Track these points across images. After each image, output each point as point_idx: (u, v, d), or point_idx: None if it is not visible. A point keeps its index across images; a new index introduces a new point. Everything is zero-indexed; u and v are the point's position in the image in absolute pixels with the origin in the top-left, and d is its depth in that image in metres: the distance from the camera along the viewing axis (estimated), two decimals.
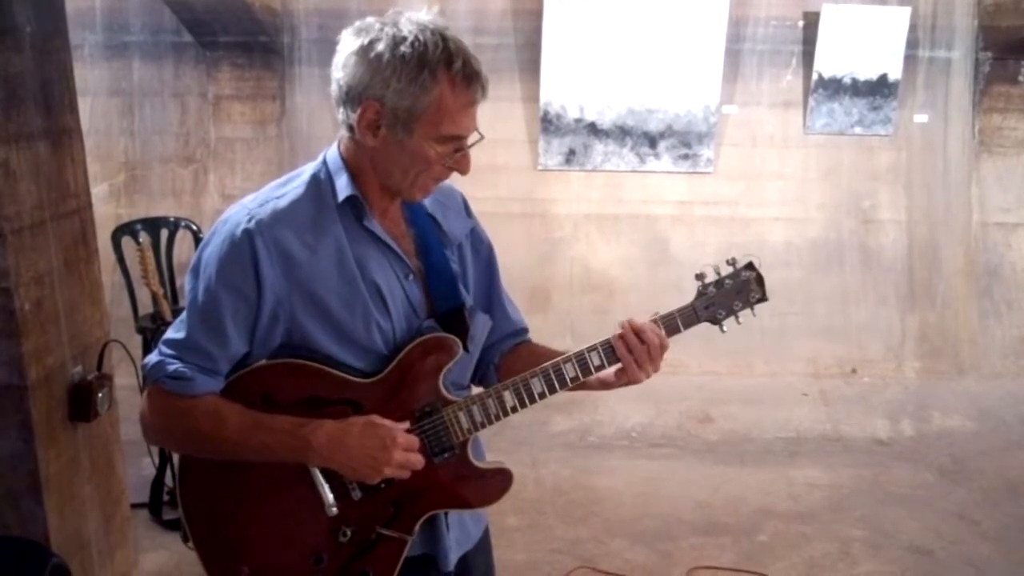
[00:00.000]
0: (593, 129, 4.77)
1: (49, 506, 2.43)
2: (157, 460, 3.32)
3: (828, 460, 4.03)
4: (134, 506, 3.13)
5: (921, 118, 4.95)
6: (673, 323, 1.50)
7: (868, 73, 4.80)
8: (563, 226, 4.94)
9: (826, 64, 4.77)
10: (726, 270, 1.53)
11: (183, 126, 4.84)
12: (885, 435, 4.33)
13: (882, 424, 4.42)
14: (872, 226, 5.03)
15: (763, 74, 4.87)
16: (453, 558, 1.51)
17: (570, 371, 1.46)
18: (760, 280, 1.54)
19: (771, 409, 4.52)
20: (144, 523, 3.28)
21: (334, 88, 1.35)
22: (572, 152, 4.81)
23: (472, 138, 1.38)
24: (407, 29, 1.29)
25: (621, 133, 4.79)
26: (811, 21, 4.76)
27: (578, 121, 4.76)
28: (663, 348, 1.46)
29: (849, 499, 3.67)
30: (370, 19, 1.32)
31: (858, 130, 4.90)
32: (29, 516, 2.40)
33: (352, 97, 1.32)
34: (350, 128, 1.35)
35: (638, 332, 1.44)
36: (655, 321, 1.49)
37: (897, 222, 5.03)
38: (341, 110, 1.35)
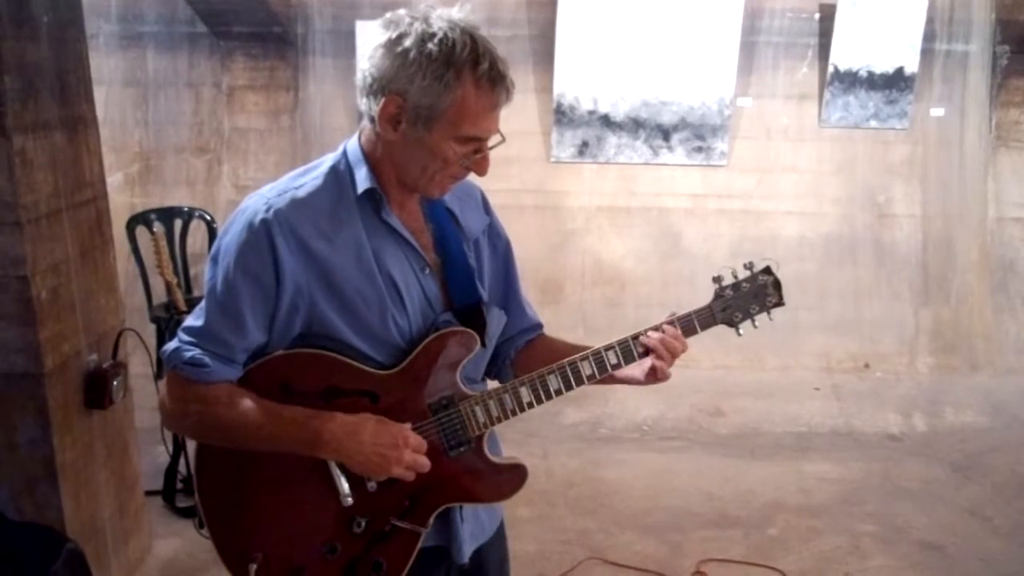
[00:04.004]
0: (606, 121, 4.76)
1: (65, 492, 2.45)
2: (171, 448, 3.35)
3: (839, 454, 4.02)
4: (148, 493, 3.17)
5: (937, 112, 4.91)
6: (690, 324, 1.51)
7: (884, 66, 4.76)
8: (575, 218, 4.93)
9: (842, 57, 4.74)
10: (743, 273, 1.54)
11: (197, 116, 4.86)
12: (897, 430, 4.31)
13: (894, 419, 4.40)
14: (887, 220, 5.00)
15: (778, 67, 4.84)
16: (467, 551, 1.51)
17: (587, 369, 1.47)
18: (777, 284, 1.55)
19: (782, 403, 4.51)
20: (158, 510, 3.31)
21: (359, 78, 1.35)
22: (585, 144, 4.80)
23: (493, 140, 1.38)
24: (437, 26, 1.28)
25: (634, 125, 4.77)
26: (827, 13, 4.73)
27: (591, 113, 4.75)
28: (684, 350, 1.49)
29: (860, 493, 3.66)
30: (401, 12, 1.31)
31: (874, 124, 4.86)
32: (45, 502, 2.43)
33: (376, 89, 1.32)
34: (372, 120, 1.35)
35: (663, 343, 1.48)
36: (672, 323, 1.50)
37: (912, 216, 4.99)
38: (364, 100, 1.35)
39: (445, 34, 1.27)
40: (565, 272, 4.92)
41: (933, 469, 3.91)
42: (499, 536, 1.65)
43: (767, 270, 1.56)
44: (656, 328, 1.50)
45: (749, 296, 1.54)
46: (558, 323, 4.64)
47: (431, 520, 1.44)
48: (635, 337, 1.49)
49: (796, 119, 4.88)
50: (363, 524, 1.42)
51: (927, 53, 4.79)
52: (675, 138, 4.79)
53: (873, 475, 3.83)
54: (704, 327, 1.53)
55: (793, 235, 4.94)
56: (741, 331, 1.55)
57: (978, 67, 4.85)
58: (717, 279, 1.54)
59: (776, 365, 4.87)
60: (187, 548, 3.10)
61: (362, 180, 1.37)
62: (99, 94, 2.84)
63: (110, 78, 4.66)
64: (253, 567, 1.41)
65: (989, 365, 4.91)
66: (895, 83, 4.78)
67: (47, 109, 2.38)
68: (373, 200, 1.39)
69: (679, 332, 1.49)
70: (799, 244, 4.94)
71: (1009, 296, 5.03)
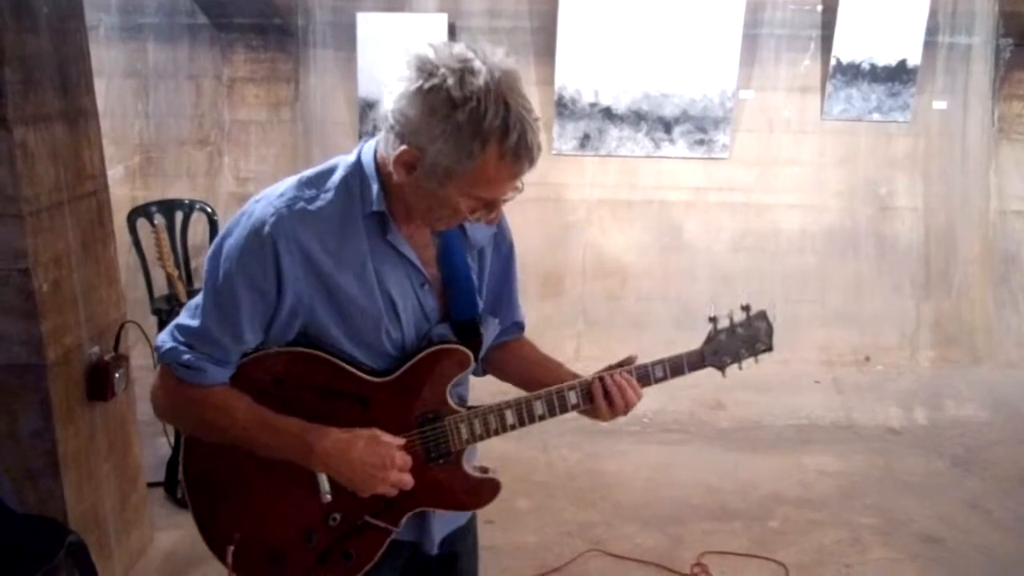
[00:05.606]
0: (608, 114, 4.75)
1: (67, 484, 2.46)
2: (173, 440, 3.36)
3: (840, 448, 4.03)
4: (150, 485, 3.18)
5: (940, 105, 4.89)
6: (679, 366, 1.56)
7: (887, 59, 4.74)
8: (576, 211, 4.92)
9: (844, 49, 4.72)
10: (739, 316, 1.56)
11: (198, 108, 4.85)
12: (898, 423, 4.31)
13: (895, 412, 4.40)
14: (888, 213, 4.99)
15: (780, 59, 4.82)
16: (437, 539, 1.56)
17: (572, 399, 1.51)
18: (770, 331, 1.58)
19: (783, 396, 4.51)
20: (159, 502, 3.32)
21: (384, 106, 1.29)
22: (587, 136, 4.79)
23: (509, 194, 1.34)
24: (470, 88, 1.20)
25: (636, 118, 4.76)
26: (830, 5, 4.71)
27: (593, 105, 4.74)
28: (639, 400, 1.54)
29: (860, 487, 3.67)
30: (435, 56, 1.22)
31: (876, 116, 4.85)
32: (47, 493, 2.44)
33: (397, 133, 1.27)
34: (387, 153, 1.30)
35: (621, 390, 1.51)
36: (629, 371, 1.53)
37: (914, 210, 4.98)
38: (384, 133, 1.30)
39: (478, 100, 1.20)
40: (566, 265, 4.92)
41: (933, 462, 3.91)
42: (470, 526, 1.68)
43: (763, 315, 1.58)
44: (614, 368, 1.53)
45: (740, 341, 1.57)
46: (558, 317, 4.64)
47: (403, 521, 1.48)
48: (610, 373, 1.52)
49: (798, 112, 4.87)
50: (338, 518, 1.46)
51: (930, 46, 4.77)
52: (677, 131, 4.78)
53: (874, 468, 3.84)
54: (692, 370, 1.57)
55: (795, 228, 4.93)
56: (726, 374, 1.57)
57: (981, 60, 4.84)
58: (713, 320, 1.56)
59: (777, 358, 4.80)
60: (189, 539, 3.10)
61: (373, 201, 1.35)
62: (100, 86, 2.83)
63: (111, 70, 4.65)
64: (231, 548, 1.45)
65: (990, 358, 4.91)
66: (898, 76, 4.77)
67: (48, 101, 2.38)
68: (381, 222, 1.38)
69: (636, 382, 1.52)
70: (800, 237, 4.93)
71: (1011, 289, 5.02)
